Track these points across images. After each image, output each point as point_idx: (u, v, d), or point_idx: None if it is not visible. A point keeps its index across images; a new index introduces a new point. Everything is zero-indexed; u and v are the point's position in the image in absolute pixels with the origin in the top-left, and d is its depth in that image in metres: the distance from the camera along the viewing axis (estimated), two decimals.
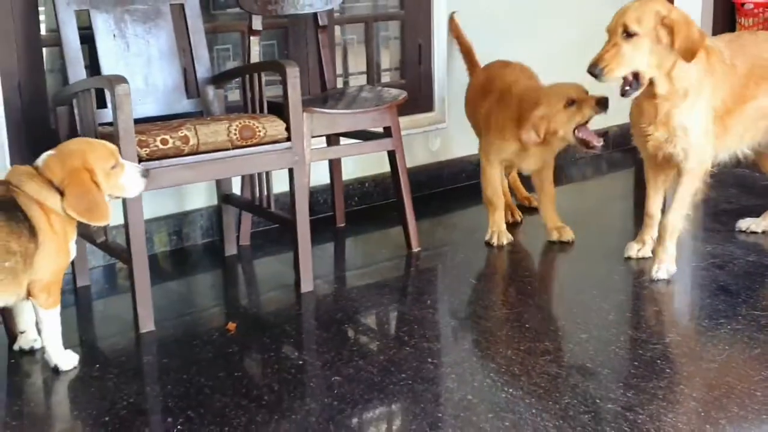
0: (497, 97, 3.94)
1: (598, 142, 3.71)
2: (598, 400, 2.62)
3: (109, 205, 2.84)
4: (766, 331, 3.05)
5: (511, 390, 2.70)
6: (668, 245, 3.54)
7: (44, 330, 2.86)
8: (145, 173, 2.92)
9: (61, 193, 2.76)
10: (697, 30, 3.32)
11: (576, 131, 3.69)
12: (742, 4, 5.86)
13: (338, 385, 2.76)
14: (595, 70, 3.28)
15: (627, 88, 3.35)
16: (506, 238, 3.97)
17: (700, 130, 3.42)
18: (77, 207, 2.75)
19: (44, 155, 2.84)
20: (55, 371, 2.87)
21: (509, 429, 2.48)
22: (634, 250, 3.75)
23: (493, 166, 3.93)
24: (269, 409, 2.63)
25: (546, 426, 2.48)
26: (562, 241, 3.97)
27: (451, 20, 4.65)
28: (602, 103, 3.64)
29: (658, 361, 2.87)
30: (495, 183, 3.95)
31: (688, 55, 3.28)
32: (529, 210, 4.38)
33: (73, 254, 2.92)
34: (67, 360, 2.89)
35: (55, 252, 2.79)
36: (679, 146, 3.42)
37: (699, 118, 3.41)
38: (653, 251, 3.64)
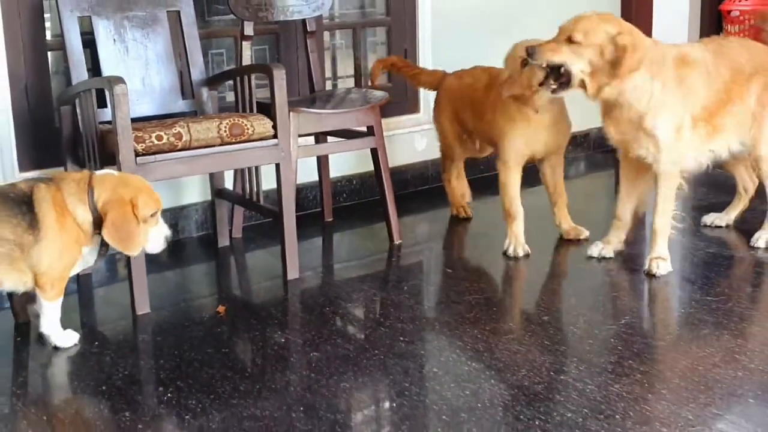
0: (494, 97, 4.00)
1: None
2: (552, 373, 2.86)
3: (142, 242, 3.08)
4: (716, 314, 3.29)
5: (473, 364, 2.95)
6: (661, 245, 3.70)
7: (44, 316, 3.09)
8: (167, 239, 3.19)
9: (97, 211, 3.00)
10: (639, 56, 3.45)
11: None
12: (729, 12, 5.97)
13: (316, 360, 3.01)
14: (532, 50, 3.49)
15: (555, 87, 3.54)
16: (523, 249, 3.95)
17: (668, 135, 3.56)
18: (113, 234, 2.99)
19: (106, 170, 3.12)
20: (56, 349, 3.12)
21: (468, 397, 2.73)
22: (596, 249, 3.90)
23: (513, 171, 3.93)
24: (252, 380, 2.88)
25: (502, 394, 2.73)
26: (579, 239, 4.12)
27: (376, 69, 4.58)
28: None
29: (612, 340, 3.12)
30: (513, 192, 3.95)
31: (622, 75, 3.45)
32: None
33: (88, 261, 3.15)
34: (66, 338, 3.13)
35: (59, 250, 3.00)
36: (647, 149, 3.59)
37: (666, 125, 3.55)
38: (648, 255, 3.76)
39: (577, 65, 3.47)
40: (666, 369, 2.90)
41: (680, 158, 3.64)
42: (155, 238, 3.14)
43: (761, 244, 3.99)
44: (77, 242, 3.04)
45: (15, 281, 3.02)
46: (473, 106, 4.18)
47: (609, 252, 3.88)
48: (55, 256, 3.00)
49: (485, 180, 4.87)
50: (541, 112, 3.84)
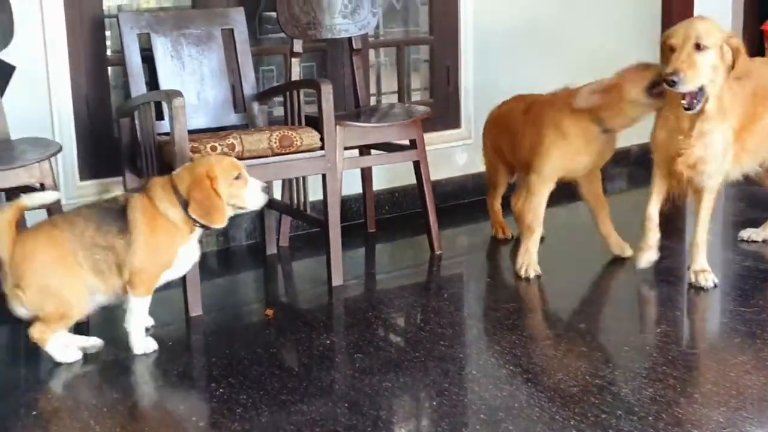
0: (535, 115, 4.02)
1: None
2: (587, 377, 2.97)
3: (226, 211, 3.21)
4: (750, 325, 3.38)
5: (511, 367, 3.08)
6: (702, 258, 3.75)
7: (130, 314, 3.23)
8: (266, 189, 3.32)
9: (187, 202, 3.17)
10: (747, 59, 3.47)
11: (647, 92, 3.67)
12: None
13: (360, 360, 3.16)
14: (674, 78, 3.32)
15: (694, 101, 3.42)
16: (534, 270, 3.93)
17: (723, 151, 3.62)
18: (197, 211, 3.16)
19: (181, 167, 3.28)
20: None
21: (506, 397, 2.85)
22: (644, 260, 3.87)
23: (546, 184, 3.90)
24: (299, 378, 3.03)
25: (539, 396, 2.85)
26: (624, 257, 4.10)
27: None
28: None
29: (646, 347, 3.22)
30: (540, 209, 3.92)
31: (739, 78, 3.44)
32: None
33: (192, 258, 3.31)
34: (143, 345, 3.25)
35: (150, 251, 3.17)
36: (709, 166, 3.59)
37: (726, 140, 3.60)
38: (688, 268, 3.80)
39: (709, 76, 3.40)
40: (699, 375, 3.01)
41: (725, 171, 3.69)
42: (251, 195, 3.26)
43: None
44: (172, 243, 3.20)
45: (112, 285, 3.19)
46: (510, 134, 4.18)
47: (654, 255, 3.87)
48: (146, 255, 3.16)
49: None
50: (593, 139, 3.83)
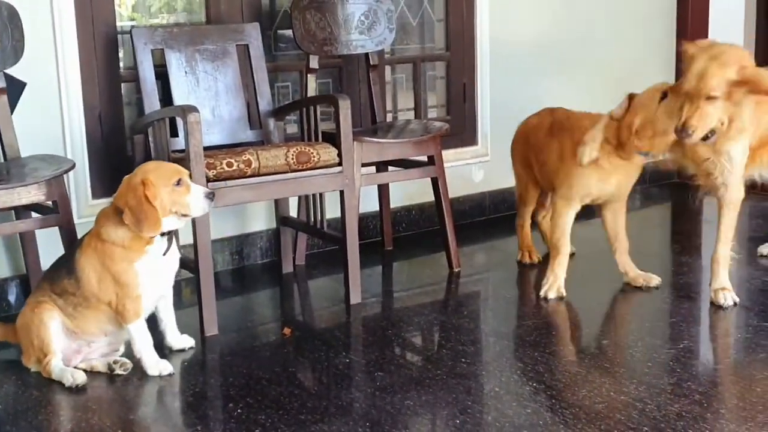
0: (554, 140, 3.97)
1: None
2: (612, 393, 2.92)
3: (161, 220, 3.09)
4: None
5: (534, 384, 3.02)
6: (723, 275, 3.70)
7: (132, 342, 3.19)
8: (210, 195, 3.19)
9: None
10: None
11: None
12: None
13: (380, 378, 3.10)
14: (685, 133, 3.37)
15: (709, 136, 3.43)
16: (558, 292, 3.86)
17: (740, 165, 3.60)
18: (129, 218, 3.06)
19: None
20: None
21: (530, 415, 2.79)
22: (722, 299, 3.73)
23: (571, 206, 3.83)
24: (319, 397, 2.98)
25: (563, 413, 2.79)
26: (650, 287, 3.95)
27: None
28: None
29: (670, 363, 3.17)
30: (566, 227, 3.86)
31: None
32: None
33: (167, 268, 3.22)
34: (157, 367, 3.18)
35: (108, 279, 3.11)
36: (724, 178, 3.59)
37: (743, 154, 3.59)
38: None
39: (718, 119, 3.42)
40: (724, 390, 2.95)
41: (742, 188, 3.65)
42: (194, 201, 3.15)
43: None
44: (121, 264, 3.10)
45: (98, 323, 3.18)
46: (536, 149, 4.11)
47: (733, 298, 3.73)
48: (105, 286, 3.11)
49: None
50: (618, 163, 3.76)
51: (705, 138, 3.44)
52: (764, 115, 3.63)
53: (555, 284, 3.87)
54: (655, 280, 3.96)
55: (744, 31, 6.11)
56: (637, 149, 3.67)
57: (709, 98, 3.39)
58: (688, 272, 4.03)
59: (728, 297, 3.69)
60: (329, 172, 3.71)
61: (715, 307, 3.68)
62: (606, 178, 3.78)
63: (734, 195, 3.63)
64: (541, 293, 3.86)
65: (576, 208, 3.85)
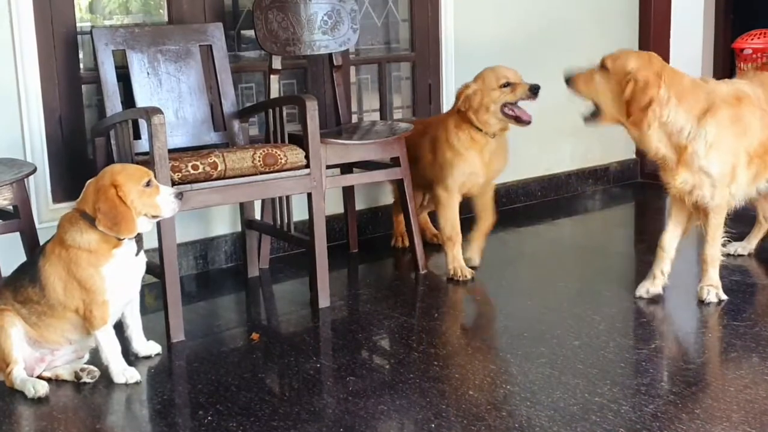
0: (430, 132, 4.27)
1: (527, 117, 4.00)
2: (586, 395, 2.90)
3: (137, 221, 3.05)
4: (744, 339, 3.33)
5: (508, 387, 2.99)
6: (712, 274, 3.74)
7: (100, 349, 3.12)
8: (179, 195, 3.15)
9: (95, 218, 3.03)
10: (651, 94, 3.46)
11: (505, 108, 4.00)
12: (742, 50, 6.02)
13: (352, 383, 3.06)
14: (566, 76, 3.64)
15: (589, 116, 3.66)
16: (469, 271, 4.14)
17: (722, 173, 3.55)
18: (105, 222, 2.99)
19: (83, 189, 3.12)
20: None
21: (506, 418, 2.77)
22: (643, 290, 3.82)
23: (452, 195, 4.12)
24: (290, 402, 2.93)
25: (539, 416, 2.77)
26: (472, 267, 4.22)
27: None
28: (533, 90, 3.97)
29: (642, 363, 3.16)
30: (454, 216, 4.13)
31: (634, 118, 3.50)
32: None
33: (133, 273, 3.14)
34: (123, 375, 3.11)
35: (74, 286, 3.04)
36: (704, 189, 3.57)
37: (721, 162, 3.53)
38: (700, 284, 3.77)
39: (603, 98, 3.56)
40: (698, 390, 2.94)
41: (734, 194, 3.64)
42: (164, 202, 3.11)
43: None
44: (87, 269, 3.04)
45: (62, 332, 3.11)
46: (412, 153, 4.28)
47: (657, 289, 3.82)
48: (71, 292, 3.05)
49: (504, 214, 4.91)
50: (491, 138, 4.07)
51: (586, 120, 3.66)
52: (759, 122, 3.60)
53: (461, 267, 4.14)
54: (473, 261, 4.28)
55: (702, 32, 6.17)
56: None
57: (604, 67, 3.56)
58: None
59: (711, 292, 3.71)
60: (296, 174, 3.66)
61: (701, 303, 3.70)
62: (480, 163, 4.11)
63: (719, 200, 3.62)
64: (458, 278, 4.11)
65: (458, 196, 4.15)
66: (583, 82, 3.62)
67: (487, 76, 4.05)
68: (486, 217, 4.28)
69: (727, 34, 6.53)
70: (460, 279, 4.10)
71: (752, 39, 5.95)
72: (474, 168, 4.10)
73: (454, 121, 4.11)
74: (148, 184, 3.09)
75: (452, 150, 4.09)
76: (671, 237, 3.80)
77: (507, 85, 3.99)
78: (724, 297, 3.73)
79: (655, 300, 3.79)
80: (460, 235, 4.15)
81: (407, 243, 4.54)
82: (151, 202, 3.09)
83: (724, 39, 6.46)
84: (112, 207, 3.00)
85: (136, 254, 3.12)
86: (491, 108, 4.00)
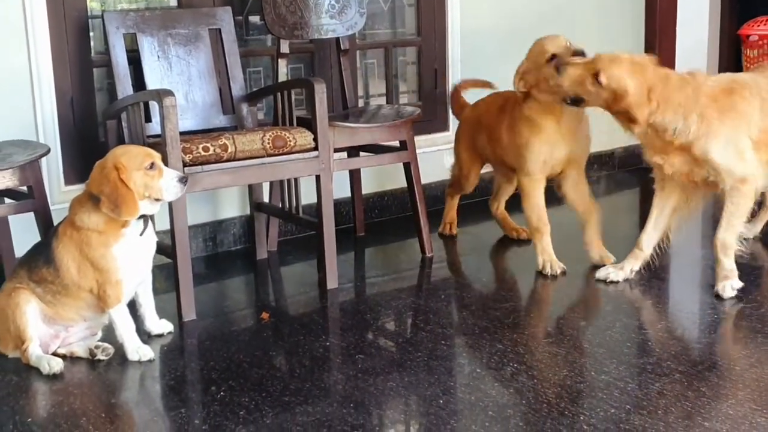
0: (504, 117, 4.07)
1: None
2: (593, 373, 2.94)
3: (139, 203, 3.06)
4: (750, 319, 3.38)
5: (515, 365, 3.03)
6: (724, 262, 3.61)
7: (115, 327, 3.17)
8: (183, 179, 3.16)
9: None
10: (637, 116, 3.46)
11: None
12: (748, 36, 5.99)
13: (362, 361, 3.10)
14: (559, 64, 3.60)
15: (570, 102, 3.62)
16: (559, 266, 3.92)
17: (728, 154, 3.50)
18: (107, 205, 3.02)
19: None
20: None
21: (513, 394, 2.81)
22: (604, 273, 3.83)
23: (536, 183, 3.89)
24: (301, 379, 2.97)
25: (546, 393, 2.81)
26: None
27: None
28: (579, 53, 3.74)
29: (649, 343, 3.21)
30: (540, 206, 3.91)
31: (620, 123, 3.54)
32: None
33: (144, 251, 3.18)
34: (137, 352, 3.15)
35: (87, 266, 3.09)
36: (707, 170, 3.52)
37: (725, 145, 3.49)
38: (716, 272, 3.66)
39: (593, 102, 3.55)
40: (704, 369, 2.97)
41: (751, 176, 3.55)
42: (167, 185, 3.12)
43: None
44: (98, 250, 3.08)
45: (77, 309, 3.17)
46: (489, 132, 4.19)
47: (618, 276, 3.80)
48: (85, 272, 3.09)
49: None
50: (562, 120, 3.83)
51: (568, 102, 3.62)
52: (759, 111, 3.57)
53: (552, 261, 3.93)
54: (609, 260, 3.97)
55: (709, 16, 6.18)
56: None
57: (596, 78, 3.47)
58: (658, 255, 4.05)
59: (726, 287, 3.60)
60: (305, 156, 3.69)
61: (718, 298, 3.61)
62: (556, 143, 3.86)
63: (732, 181, 3.52)
64: (546, 272, 3.91)
65: (541, 181, 3.90)
66: (571, 82, 3.54)
67: (533, 51, 3.89)
68: (588, 211, 4.02)
69: (732, 20, 6.53)
70: (549, 274, 3.91)
71: (758, 25, 5.95)
72: (552, 141, 3.85)
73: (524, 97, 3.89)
74: (151, 166, 3.10)
75: (528, 125, 3.86)
76: (650, 237, 3.79)
77: (554, 58, 3.76)
78: (739, 285, 3.62)
79: (661, 281, 3.83)
80: (548, 225, 3.93)
81: (455, 231, 4.57)
82: (153, 185, 3.11)
83: (730, 25, 6.46)
84: (114, 189, 3.03)
85: (141, 234, 3.15)
86: (547, 85, 3.76)
